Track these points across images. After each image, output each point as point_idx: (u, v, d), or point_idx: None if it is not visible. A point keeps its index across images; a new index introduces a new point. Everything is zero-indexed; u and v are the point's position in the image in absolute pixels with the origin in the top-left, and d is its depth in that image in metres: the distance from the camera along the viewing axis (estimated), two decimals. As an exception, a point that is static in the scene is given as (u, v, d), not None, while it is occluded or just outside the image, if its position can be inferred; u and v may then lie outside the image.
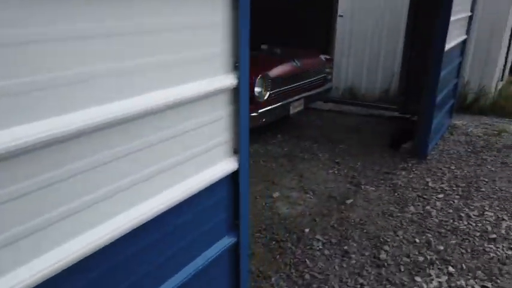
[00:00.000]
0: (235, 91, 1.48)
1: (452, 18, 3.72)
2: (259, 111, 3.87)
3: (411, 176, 3.68)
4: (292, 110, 4.42)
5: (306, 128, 5.06)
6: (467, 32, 4.87)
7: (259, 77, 3.78)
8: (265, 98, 3.93)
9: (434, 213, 3.06)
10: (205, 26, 1.29)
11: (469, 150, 4.31)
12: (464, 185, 3.51)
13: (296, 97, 4.42)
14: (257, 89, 3.83)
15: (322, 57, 4.93)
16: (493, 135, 4.77)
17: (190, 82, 1.28)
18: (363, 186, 3.50)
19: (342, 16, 6.29)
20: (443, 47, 3.71)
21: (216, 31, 1.33)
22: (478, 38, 5.68)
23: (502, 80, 7.06)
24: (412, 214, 3.05)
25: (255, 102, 3.83)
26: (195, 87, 1.29)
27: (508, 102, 5.83)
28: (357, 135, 4.77)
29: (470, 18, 4.82)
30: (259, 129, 4.38)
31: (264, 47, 4.63)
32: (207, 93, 1.34)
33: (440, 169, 3.82)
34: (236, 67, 1.43)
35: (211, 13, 1.30)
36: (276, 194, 3.35)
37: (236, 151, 1.57)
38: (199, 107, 1.34)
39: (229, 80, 1.43)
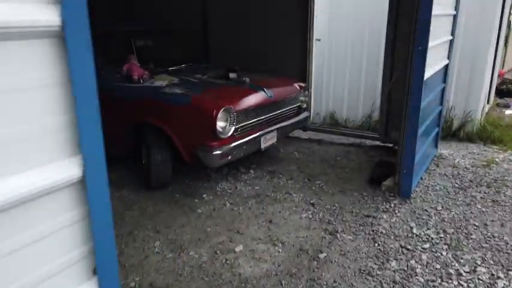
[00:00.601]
0: (81, 185, 1.01)
1: (431, 43, 3.39)
2: (223, 148, 3.45)
3: (394, 220, 3.27)
4: (264, 144, 4.00)
5: (282, 161, 4.65)
6: (449, 57, 4.55)
7: (222, 110, 3.38)
8: (230, 133, 3.52)
9: (419, 269, 2.63)
10: (28, 86, 0.86)
11: (457, 185, 3.92)
12: (452, 230, 3.10)
13: (268, 130, 4.02)
14: (220, 124, 3.42)
15: (296, 85, 4.55)
16: (482, 166, 4.40)
17: (9, 174, 0.83)
18: (339, 235, 3.06)
19: (319, 40, 5.98)
20: (423, 76, 3.37)
21: (47, 94, 0.89)
22: (461, 62, 5.39)
23: (488, 103, 6.78)
24: (394, 271, 2.62)
25: (218, 138, 3.41)
26: (15, 183, 0.85)
27: (496, 128, 5.51)
28: (336, 169, 4.37)
29: (451, 42, 4.51)
30: (230, 164, 3.97)
31: (232, 75, 4.25)
32: (39, 191, 0.90)
33: (426, 210, 3.42)
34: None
35: (37, 67, 0.87)
36: (239, 248, 2.90)
37: (95, 271, 1.09)
38: (27, 211, 0.89)
39: (70, 169, 0.97)
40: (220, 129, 3.42)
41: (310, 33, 5.25)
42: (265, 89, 4.02)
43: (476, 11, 5.14)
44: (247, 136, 3.75)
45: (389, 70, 4.82)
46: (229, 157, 3.54)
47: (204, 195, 3.72)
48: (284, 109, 4.26)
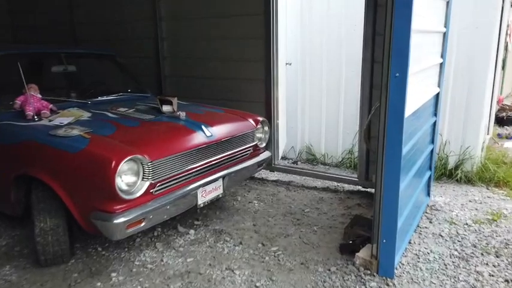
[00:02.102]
0: None
1: (413, 68, 2.48)
2: (130, 213, 2.45)
3: (368, 319, 2.25)
4: (203, 199, 3.02)
5: (236, 213, 3.65)
6: (439, 84, 3.63)
7: (126, 161, 2.40)
8: (143, 191, 2.54)
9: None
10: None
11: (456, 253, 2.92)
12: None
13: (208, 179, 3.04)
14: (125, 179, 2.44)
15: (251, 120, 3.60)
16: (487, 221, 3.41)
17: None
18: None
19: (290, 64, 5.09)
20: (403, 112, 2.43)
21: None
22: (455, 88, 4.47)
23: (488, 134, 5.83)
24: None
25: (120, 200, 2.43)
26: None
27: (499, 167, 4.54)
28: (302, 228, 3.36)
29: (442, 66, 3.60)
30: (168, 220, 2.97)
31: (166, 109, 3.31)
32: None
33: (415, 299, 2.41)
34: None
35: None
36: None
37: None
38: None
39: None
40: (125, 187, 2.44)
41: (274, 57, 4.34)
42: (203, 127, 3.07)
43: (469, 29, 4.25)
44: (175, 191, 2.77)
45: (368, 100, 3.89)
46: (143, 224, 2.55)
47: (113, 275, 2.70)
48: (232, 151, 3.29)
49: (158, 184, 2.63)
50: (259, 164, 3.66)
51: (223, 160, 3.20)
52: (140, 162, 2.50)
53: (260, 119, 3.66)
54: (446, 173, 4.54)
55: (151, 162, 2.54)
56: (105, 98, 3.66)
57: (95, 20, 5.51)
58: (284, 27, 4.55)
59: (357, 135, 4.97)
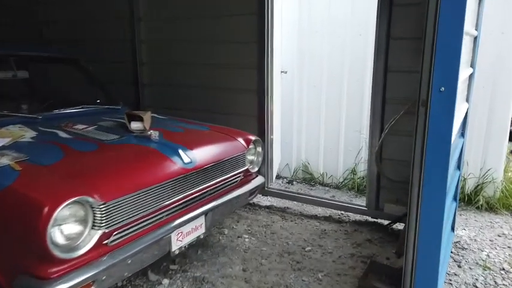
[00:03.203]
0: None
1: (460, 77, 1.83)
2: (70, 278, 1.73)
3: None
4: (179, 244, 2.33)
5: (222, 253, 2.95)
6: (468, 98, 3.01)
7: (64, 205, 1.69)
8: (92, 244, 1.83)
9: None
10: None
11: (502, 314, 2.27)
12: None
13: (185, 218, 2.34)
14: (62, 231, 1.73)
15: (242, 139, 2.92)
16: (527, 265, 2.77)
17: None
18: None
19: (285, 72, 4.44)
20: (449, 136, 1.79)
21: None
22: (476, 101, 3.85)
23: None
24: None
25: (56, 261, 1.71)
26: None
27: (526, 192, 3.93)
28: (302, 274, 2.68)
29: (471, 77, 2.98)
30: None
31: (136, 126, 2.61)
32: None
33: None
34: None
35: None
36: None
37: None
38: None
39: None
40: (64, 242, 1.73)
41: (269, 64, 3.68)
42: (181, 151, 2.38)
43: (494, 34, 3.65)
44: (139, 239, 2.06)
45: (380, 116, 3.25)
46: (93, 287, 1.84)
47: None
48: (218, 180, 2.60)
49: (115, 232, 1.93)
50: (251, 193, 2.97)
51: (206, 192, 2.51)
52: (89, 205, 1.79)
53: (252, 138, 2.98)
54: (464, 198, 3.91)
55: (104, 204, 1.84)
56: (62, 111, 2.95)
57: (63, 18, 4.79)
58: (279, 30, 3.91)
59: (362, 153, 4.34)
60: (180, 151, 2.38)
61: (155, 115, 3.23)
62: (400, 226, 3.29)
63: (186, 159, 2.35)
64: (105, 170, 2.03)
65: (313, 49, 4.50)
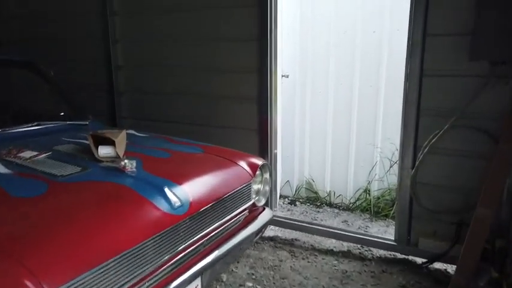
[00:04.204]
0: None
1: None
2: None
3: None
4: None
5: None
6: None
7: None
8: None
9: None
10: None
11: None
12: None
13: (174, 285, 1.63)
14: None
15: (245, 164, 2.23)
16: None
17: None
18: None
19: (286, 77, 3.78)
20: None
21: None
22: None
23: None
24: None
25: None
26: None
27: None
28: None
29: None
30: None
31: (105, 152, 1.89)
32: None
33: None
34: None
35: None
36: None
37: None
38: None
39: None
40: None
41: (272, 67, 3.01)
42: (167, 189, 1.67)
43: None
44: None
45: (414, 130, 2.60)
46: None
47: None
48: (217, 224, 1.91)
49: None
50: (257, 232, 2.28)
51: (202, 243, 1.81)
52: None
53: (259, 162, 2.29)
54: None
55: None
56: (7, 131, 2.20)
57: (21, 14, 4.01)
58: (280, 27, 3.24)
59: (376, 170, 3.72)
60: (167, 189, 1.67)
61: (133, 132, 2.52)
62: (438, 266, 2.66)
63: (175, 202, 1.65)
64: (53, 234, 1.30)
65: (318, 49, 3.85)
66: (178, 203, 1.65)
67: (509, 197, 2.29)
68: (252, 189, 2.23)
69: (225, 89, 3.22)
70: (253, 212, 2.29)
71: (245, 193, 2.14)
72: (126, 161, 1.77)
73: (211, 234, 1.87)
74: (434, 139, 2.45)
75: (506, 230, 2.30)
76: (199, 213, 1.75)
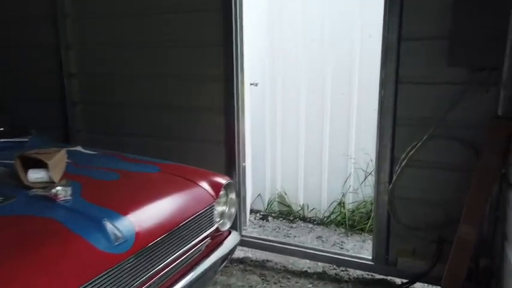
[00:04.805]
0: None
1: None
2: None
3: None
4: None
5: None
6: None
7: None
8: None
9: None
10: None
11: None
12: None
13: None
14: None
15: (207, 184, 1.96)
16: None
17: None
18: None
19: (255, 85, 3.54)
20: None
21: None
22: None
23: None
24: None
25: None
26: None
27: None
28: None
29: None
30: None
31: (36, 176, 1.58)
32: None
33: None
34: None
35: None
36: None
37: None
38: None
39: None
40: None
41: (239, 74, 2.77)
42: (107, 222, 1.38)
43: None
44: None
45: (391, 140, 2.41)
46: None
47: None
48: (172, 257, 1.62)
49: None
50: (222, 261, 2.01)
51: (154, 283, 1.52)
52: None
53: (223, 181, 2.03)
54: None
55: None
56: None
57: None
58: (247, 33, 3.00)
59: (350, 181, 3.53)
60: (106, 222, 1.38)
61: (80, 149, 2.20)
62: (419, 287, 2.47)
63: (117, 237, 1.36)
64: None
65: (288, 56, 3.64)
66: (120, 239, 1.36)
67: (492, 213, 2.12)
68: (215, 213, 1.96)
69: (188, 99, 2.95)
70: (217, 237, 2.02)
71: (206, 218, 1.87)
72: (58, 188, 1.47)
73: (166, 271, 1.58)
74: (412, 151, 2.26)
75: (490, 248, 2.13)
76: (148, 248, 1.46)
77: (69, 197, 1.48)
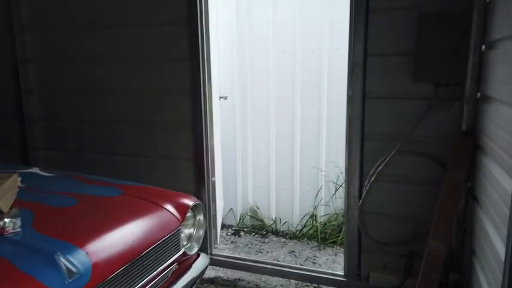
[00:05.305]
0: None
1: None
2: None
3: None
4: None
5: None
6: None
7: None
8: None
9: None
10: None
11: None
12: None
13: None
14: None
15: (172, 207, 1.87)
16: None
17: None
18: None
19: (225, 98, 3.48)
20: None
21: None
22: None
23: None
24: None
25: None
26: None
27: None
28: None
29: None
30: None
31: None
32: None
33: None
34: None
35: None
36: None
37: None
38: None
39: None
40: None
41: (206, 88, 2.70)
42: (60, 257, 1.27)
43: None
44: None
45: (359, 156, 2.40)
46: None
47: None
48: (137, 287, 1.52)
49: None
50: (191, 285, 1.91)
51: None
52: None
53: (190, 203, 1.95)
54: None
55: None
56: None
57: None
58: (215, 45, 2.95)
59: (322, 194, 3.51)
60: (60, 257, 1.27)
61: (36, 171, 2.06)
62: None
63: (71, 273, 1.26)
64: None
65: (257, 69, 3.61)
66: (75, 275, 1.25)
67: (459, 226, 2.14)
68: (182, 236, 1.87)
69: (155, 115, 2.86)
70: (185, 262, 1.93)
71: (172, 243, 1.78)
72: (6, 220, 1.35)
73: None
74: (381, 166, 2.25)
75: (459, 262, 2.14)
76: (107, 282, 1.36)
77: (18, 229, 1.36)
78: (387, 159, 2.24)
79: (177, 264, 1.84)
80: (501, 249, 1.25)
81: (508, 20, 1.51)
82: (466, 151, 1.97)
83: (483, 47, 1.94)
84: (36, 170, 2.11)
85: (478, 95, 2.00)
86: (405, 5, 2.16)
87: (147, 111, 2.83)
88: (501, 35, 1.60)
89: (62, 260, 1.27)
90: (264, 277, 2.82)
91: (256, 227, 3.80)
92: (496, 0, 1.75)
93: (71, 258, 1.29)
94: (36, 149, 3.14)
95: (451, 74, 2.03)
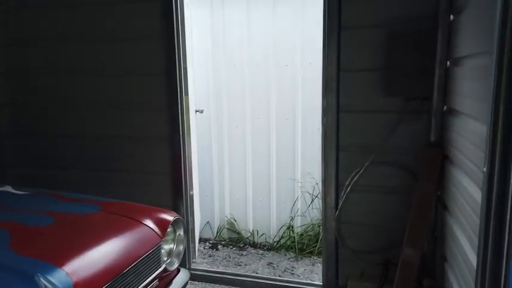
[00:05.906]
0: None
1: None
2: None
3: None
4: None
5: None
6: None
7: None
8: None
9: None
10: None
11: None
12: None
13: None
14: None
15: (152, 223, 1.85)
16: None
17: None
18: None
19: (201, 112, 3.50)
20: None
21: None
22: None
23: None
24: None
25: None
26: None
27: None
28: None
29: None
30: None
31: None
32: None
33: None
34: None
35: None
36: None
37: None
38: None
39: None
40: None
41: (182, 102, 2.71)
42: (40, 279, 1.24)
43: None
44: None
45: (335, 168, 2.46)
46: None
47: None
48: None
49: None
50: (171, 302, 1.89)
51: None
52: None
53: (170, 218, 1.94)
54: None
55: None
56: None
57: None
58: (190, 60, 2.98)
59: (298, 205, 3.56)
60: (39, 278, 1.24)
61: (9, 189, 2.00)
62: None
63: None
64: None
65: (232, 82, 3.65)
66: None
67: (430, 233, 2.22)
68: (163, 252, 1.86)
69: (131, 129, 2.83)
70: (165, 277, 1.91)
71: (153, 259, 1.76)
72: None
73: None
74: (356, 177, 2.32)
75: (432, 268, 2.22)
76: (88, 301, 1.33)
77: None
78: (362, 170, 2.31)
79: (158, 281, 1.82)
80: (472, 257, 1.32)
81: (471, 39, 1.62)
82: (434, 161, 2.06)
83: (448, 63, 2.06)
84: (8, 188, 2.05)
85: (445, 108, 2.11)
86: (375, 23, 2.26)
87: (124, 126, 2.80)
88: (466, 53, 1.71)
89: (43, 281, 1.23)
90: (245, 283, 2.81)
91: (234, 239, 3.79)
92: (459, 19, 1.87)
93: (51, 279, 1.26)
94: (8, 166, 3.03)
95: (419, 89, 2.14)
